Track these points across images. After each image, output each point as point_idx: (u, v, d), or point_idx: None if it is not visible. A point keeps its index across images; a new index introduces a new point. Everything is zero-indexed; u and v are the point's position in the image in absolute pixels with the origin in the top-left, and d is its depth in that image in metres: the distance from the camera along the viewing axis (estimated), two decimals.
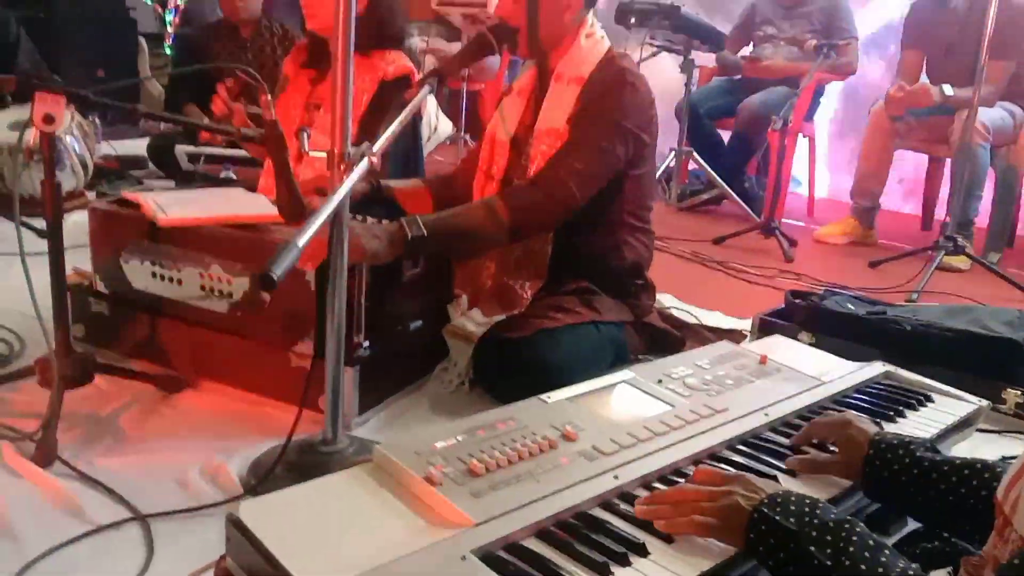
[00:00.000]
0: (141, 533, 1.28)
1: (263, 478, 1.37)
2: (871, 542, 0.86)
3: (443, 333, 1.89)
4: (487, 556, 0.92)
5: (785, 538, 0.89)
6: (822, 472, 1.17)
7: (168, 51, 5.78)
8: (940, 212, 4.16)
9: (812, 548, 0.86)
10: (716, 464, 1.18)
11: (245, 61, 3.62)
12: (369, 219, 1.74)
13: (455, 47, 5.35)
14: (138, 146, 4.12)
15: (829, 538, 0.86)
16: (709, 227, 3.83)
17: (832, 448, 1.21)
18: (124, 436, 1.57)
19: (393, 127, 1.41)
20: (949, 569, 1.01)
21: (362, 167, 1.30)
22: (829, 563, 0.85)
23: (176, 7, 5.79)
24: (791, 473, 1.18)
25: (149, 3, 5.76)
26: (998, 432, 1.85)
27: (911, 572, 0.81)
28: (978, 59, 3.12)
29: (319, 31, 2.25)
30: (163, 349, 1.81)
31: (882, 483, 1.10)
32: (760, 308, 2.36)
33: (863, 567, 0.83)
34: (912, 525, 1.20)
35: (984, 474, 1.02)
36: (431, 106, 3.05)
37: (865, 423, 1.18)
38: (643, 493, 1.08)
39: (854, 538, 0.86)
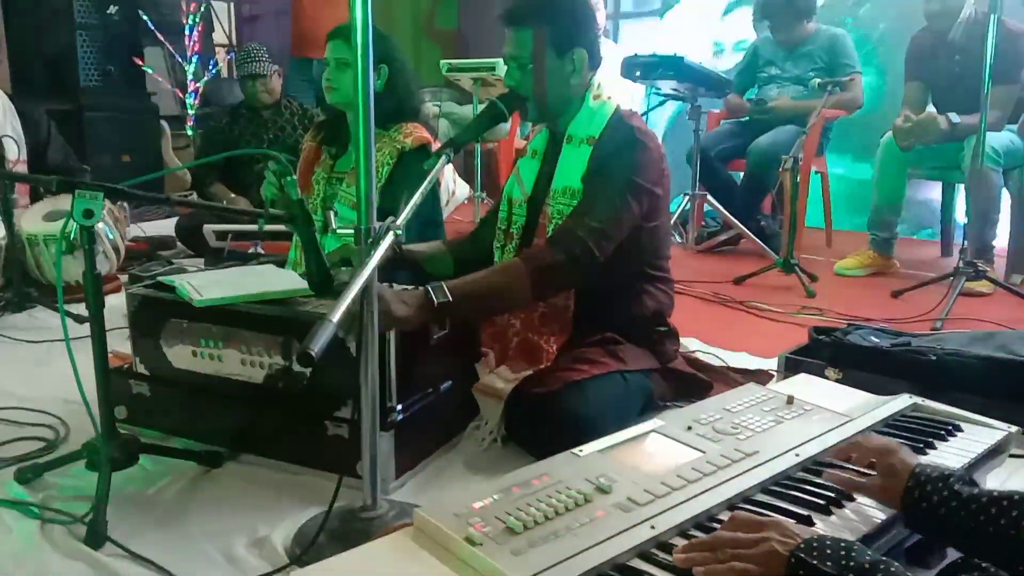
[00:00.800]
0: None
1: (308, 548, 1.41)
2: None
3: (473, 392, 1.93)
4: None
5: None
6: (858, 491, 1.21)
7: (190, 132, 5.97)
8: (959, 237, 4.16)
9: None
10: (750, 508, 1.20)
11: (267, 141, 3.76)
12: (396, 285, 1.79)
13: (466, 110, 5.49)
14: (166, 226, 4.24)
15: None
16: (729, 268, 3.86)
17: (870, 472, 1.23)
18: (170, 513, 1.61)
19: (415, 199, 1.47)
20: None
21: (388, 240, 1.36)
22: None
23: (196, 90, 5.99)
24: (826, 511, 1.20)
25: (169, 88, 5.97)
26: None
27: None
28: (981, 86, 3.17)
29: (338, 105, 2.35)
30: (203, 425, 1.86)
31: (921, 514, 1.12)
32: (785, 346, 2.38)
33: None
34: (952, 556, 1.21)
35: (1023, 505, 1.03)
36: (448, 172, 3.15)
37: (908, 453, 1.21)
38: (680, 541, 1.09)
39: None
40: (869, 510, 1.21)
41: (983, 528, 1.05)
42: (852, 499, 1.23)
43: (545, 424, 1.79)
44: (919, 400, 1.64)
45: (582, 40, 1.95)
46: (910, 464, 1.16)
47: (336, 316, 1.13)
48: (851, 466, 1.27)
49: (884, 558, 0.91)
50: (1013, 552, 1.02)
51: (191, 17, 5.91)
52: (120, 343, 2.12)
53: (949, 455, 1.41)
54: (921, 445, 1.43)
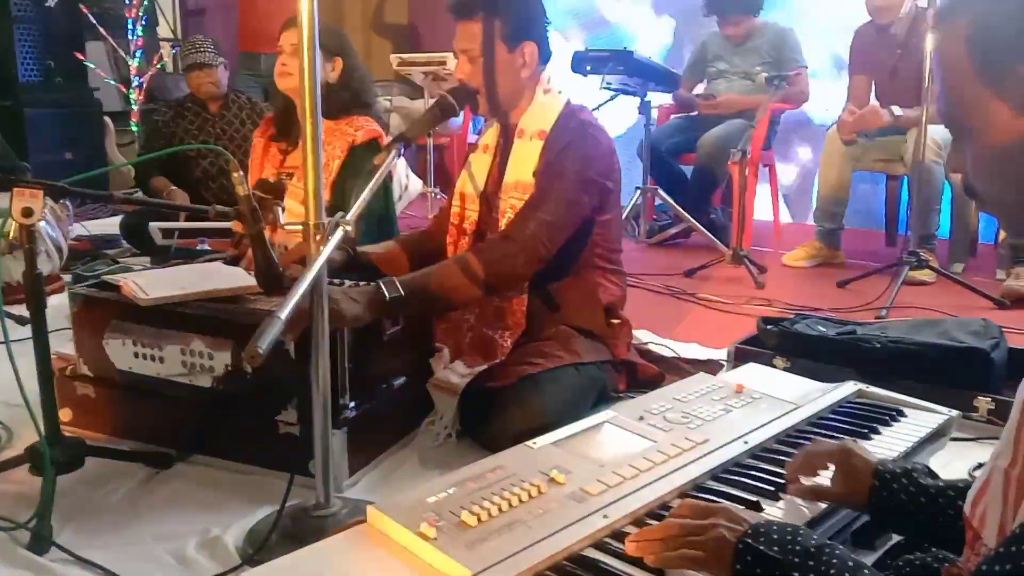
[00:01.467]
0: None
1: (260, 547, 1.39)
2: (851, 563, 0.89)
3: (427, 387, 1.92)
4: None
5: (771, 567, 0.92)
6: (823, 498, 1.19)
7: (135, 128, 5.84)
8: (903, 228, 4.27)
9: (795, 574, 0.90)
10: (701, 495, 1.22)
11: (214, 135, 3.69)
12: (347, 282, 1.78)
13: (418, 104, 5.46)
14: (110, 224, 4.14)
15: (812, 563, 0.90)
16: (679, 260, 3.91)
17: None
18: (119, 516, 1.57)
19: (365, 194, 1.46)
20: None
21: (337, 236, 1.34)
22: None
23: (141, 84, 5.85)
24: (774, 496, 1.22)
25: (112, 83, 5.83)
26: (973, 440, 1.90)
27: None
28: (922, 80, 3.24)
29: (290, 91, 2.32)
30: (151, 427, 1.83)
31: (890, 513, 1.13)
32: (735, 336, 2.41)
33: None
34: (896, 538, 1.24)
35: None
36: (400, 166, 3.13)
37: (863, 451, 1.20)
38: (633, 530, 1.11)
39: (835, 561, 0.89)
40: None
41: (953, 521, 1.04)
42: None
43: (500, 418, 1.79)
44: (864, 387, 1.68)
45: (532, 33, 1.96)
46: (871, 464, 1.16)
47: (284, 314, 1.11)
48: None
49: (829, 542, 0.93)
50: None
51: (142, 7, 5.77)
52: (64, 344, 2.07)
53: (894, 439, 1.45)
54: (866, 430, 1.47)
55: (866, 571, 0.88)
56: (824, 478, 1.21)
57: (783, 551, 0.92)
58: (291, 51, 2.29)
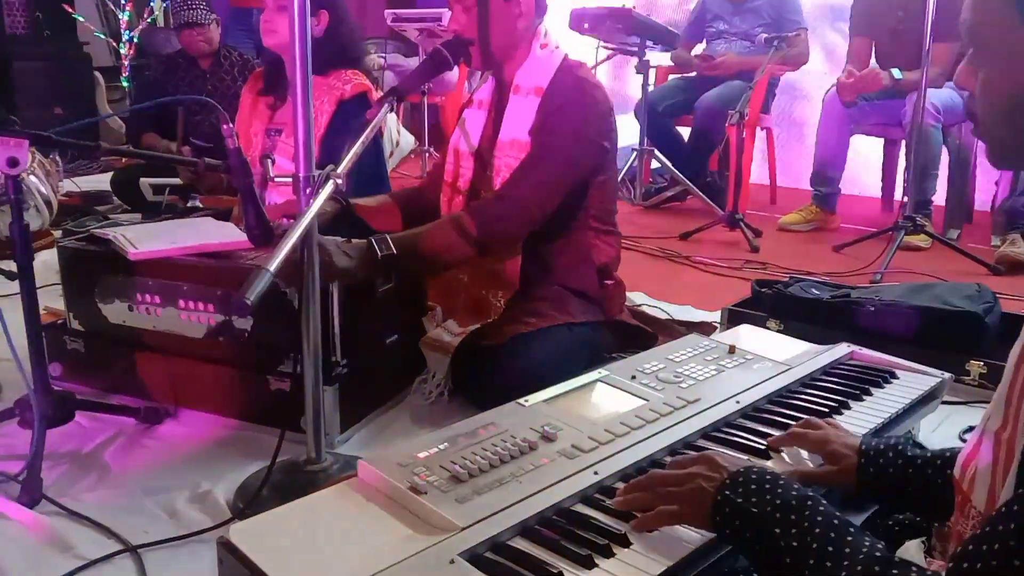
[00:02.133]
0: (133, 565, 1.29)
1: (251, 501, 1.39)
2: (835, 521, 0.85)
3: (420, 346, 1.91)
4: (475, 558, 0.94)
5: (749, 520, 0.89)
6: (810, 481, 1.15)
7: (125, 84, 5.75)
8: (899, 193, 4.25)
9: (776, 530, 0.86)
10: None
11: (204, 91, 3.63)
12: (338, 238, 1.76)
13: (413, 62, 5.39)
14: (101, 181, 4.11)
15: (793, 517, 0.86)
16: (675, 223, 3.89)
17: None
18: (109, 470, 1.57)
19: (356, 148, 1.43)
20: (923, 539, 1.05)
21: (328, 189, 1.32)
22: (795, 544, 0.84)
23: (131, 39, 5.76)
24: (764, 455, 1.22)
25: (102, 37, 5.73)
26: (964, 403, 1.91)
27: (878, 551, 0.80)
28: (923, 42, 3.21)
29: (275, 47, 2.28)
30: (142, 382, 1.82)
31: (879, 490, 1.11)
32: (729, 299, 2.41)
33: (829, 548, 0.82)
34: None
35: None
36: (391, 122, 3.09)
37: (844, 433, 1.19)
38: (623, 486, 1.10)
39: (818, 517, 0.85)
40: (806, 454, 1.23)
41: (943, 489, 1.01)
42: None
43: (492, 376, 1.79)
44: (856, 349, 1.67)
45: None
46: (854, 444, 1.14)
47: (273, 265, 1.10)
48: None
49: (812, 494, 0.89)
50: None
51: None
52: (54, 300, 2.05)
53: (885, 401, 1.45)
54: (858, 392, 1.47)
55: (851, 528, 0.84)
56: (809, 461, 1.20)
57: (761, 503, 0.89)
58: (274, 6, 2.24)
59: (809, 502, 0.88)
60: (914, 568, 0.76)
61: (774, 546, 0.87)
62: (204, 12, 3.67)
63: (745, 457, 1.20)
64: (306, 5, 1.33)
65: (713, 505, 0.93)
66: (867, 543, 0.81)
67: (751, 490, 0.91)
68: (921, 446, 1.14)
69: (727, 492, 0.92)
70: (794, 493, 0.89)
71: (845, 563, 0.80)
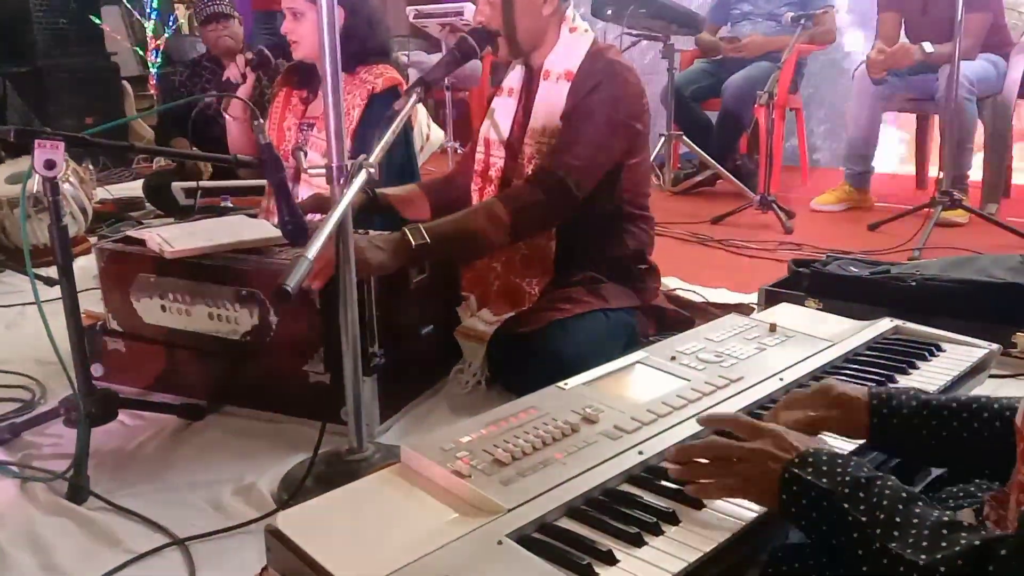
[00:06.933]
0: (181, 558, 1.31)
1: (295, 492, 1.40)
2: (904, 494, 0.85)
3: (455, 335, 1.91)
4: (523, 538, 0.94)
5: (818, 497, 0.88)
6: (822, 428, 1.11)
7: (153, 69, 5.83)
8: (933, 170, 4.17)
9: (846, 505, 0.86)
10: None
11: (231, 91, 3.65)
12: (371, 232, 1.76)
13: (436, 59, 5.38)
14: (133, 188, 4.16)
15: (862, 494, 0.86)
16: (706, 208, 3.85)
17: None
18: (153, 467, 1.59)
19: (387, 137, 1.43)
20: (976, 507, 1.03)
21: (361, 179, 1.32)
22: (864, 519, 0.84)
23: (157, 47, 5.83)
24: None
25: (136, 49, 5.80)
26: (1012, 376, 1.86)
27: (946, 519, 0.80)
28: (954, 14, 3.14)
29: (307, 59, 2.28)
30: (182, 379, 1.84)
31: (892, 432, 1.08)
32: (764, 281, 2.38)
33: (898, 519, 0.82)
34: (935, 473, 1.22)
35: (993, 406, 1.02)
36: (422, 115, 3.08)
37: (847, 384, 1.14)
38: (669, 466, 1.09)
39: (887, 492, 0.85)
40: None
41: (958, 433, 1.02)
42: None
43: (528, 363, 1.78)
44: (900, 323, 1.64)
45: None
46: (861, 389, 1.11)
47: (312, 252, 1.10)
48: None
49: (880, 472, 0.89)
50: (990, 457, 1.01)
51: None
52: (92, 304, 2.08)
53: (933, 373, 1.42)
54: (904, 365, 1.44)
55: (920, 502, 0.84)
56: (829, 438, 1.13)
57: (831, 481, 0.88)
58: (290, 15, 2.24)
59: (879, 479, 0.87)
60: (983, 530, 0.74)
61: (842, 522, 0.86)
62: (228, 6, 3.70)
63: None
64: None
65: (780, 482, 0.92)
66: (935, 513, 0.81)
67: (821, 470, 0.90)
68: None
69: (795, 470, 0.91)
70: (864, 471, 0.89)
71: (913, 531, 0.79)
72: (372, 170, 1.35)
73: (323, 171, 1.37)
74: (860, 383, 1.35)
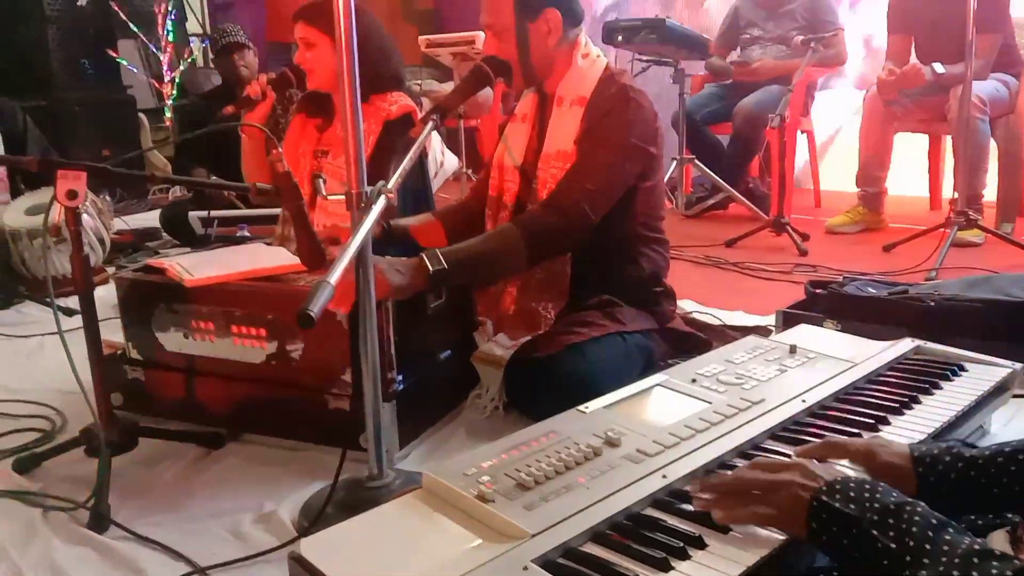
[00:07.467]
0: None
1: (316, 519, 1.39)
2: (934, 521, 0.84)
3: (472, 360, 1.91)
4: (548, 564, 0.93)
5: (847, 524, 0.88)
6: None
7: (171, 101, 5.91)
8: (946, 191, 4.16)
9: (875, 532, 0.85)
10: (761, 455, 1.19)
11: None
12: (388, 256, 1.77)
13: (448, 87, 5.42)
14: (150, 219, 4.20)
15: (891, 521, 0.85)
16: (719, 231, 3.85)
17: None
18: (174, 495, 1.59)
19: (404, 164, 1.44)
20: (1008, 528, 1.01)
21: (380, 204, 1.33)
22: (893, 546, 0.83)
23: (172, 79, 5.91)
24: None
25: (146, 80, 5.88)
26: None
27: (977, 546, 0.79)
28: (965, 35, 3.15)
29: (321, 88, 2.30)
30: (201, 408, 1.84)
31: (942, 498, 1.03)
32: (780, 303, 2.37)
33: (927, 547, 0.81)
34: None
35: None
36: (436, 143, 3.10)
37: (887, 442, 1.12)
38: (696, 485, 1.08)
39: (916, 518, 0.84)
40: (846, 461, 1.16)
41: (1009, 487, 0.99)
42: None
43: (546, 388, 1.77)
44: (921, 343, 1.63)
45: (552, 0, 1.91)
46: (904, 452, 1.07)
47: (334, 278, 1.10)
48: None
49: (910, 499, 0.88)
50: None
51: (170, 2, 5.83)
52: (110, 334, 2.09)
53: (956, 394, 1.41)
54: (927, 386, 1.43)
55: (950, 528, 0.83)
56: (848, 469, 1.09)
57: (860, 508, 0.88)
58: (303, 45, 2.26)
59: (908, 506, 0.86)
60: (1016, 559, 0.73)
61: (871, 550, 0.85)
62: (243, 36, 3.76)
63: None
64: (352, 26, 1.35)
65: (809, 510, 0.91)
66: (966, 540, 0.80)
67: (849, 496, 0.90)
68: (974, 446, 1.08)
69: (824, 498, 0.91)
70: (893, 498, 0.88)
71: (944, 559, 0.78)
72: (391, 196, 1.36)
73: (342, 197, 1.38)
74: (886, 404, 1.35)
